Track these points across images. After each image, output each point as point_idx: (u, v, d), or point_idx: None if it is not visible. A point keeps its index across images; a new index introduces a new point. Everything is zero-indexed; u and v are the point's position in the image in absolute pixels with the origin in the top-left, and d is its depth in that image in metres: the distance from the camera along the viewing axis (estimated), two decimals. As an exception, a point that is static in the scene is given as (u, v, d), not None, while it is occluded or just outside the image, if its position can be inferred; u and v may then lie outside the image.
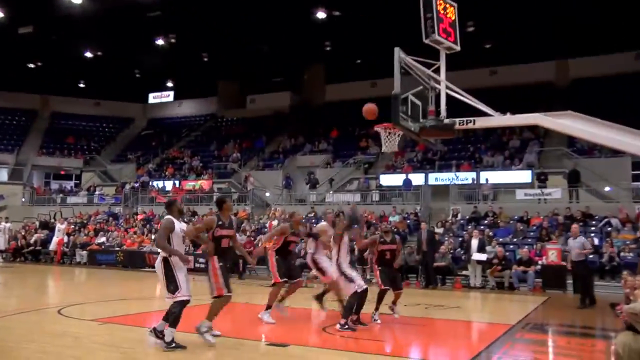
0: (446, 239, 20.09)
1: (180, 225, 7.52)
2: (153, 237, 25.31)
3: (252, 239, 22.89)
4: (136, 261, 23.69)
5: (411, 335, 9.03)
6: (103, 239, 26.25)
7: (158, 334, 7.27)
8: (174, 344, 7.15)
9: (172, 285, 7.22)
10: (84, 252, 25.28)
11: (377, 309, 10.01)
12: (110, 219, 30.10)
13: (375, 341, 8.20)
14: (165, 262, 7.32)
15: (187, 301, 7.28)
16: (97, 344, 7.15)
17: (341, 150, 34.00)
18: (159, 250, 7.41)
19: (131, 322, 9.06)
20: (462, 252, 18.97)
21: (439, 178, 27.14)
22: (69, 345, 7.02)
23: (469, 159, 28.03)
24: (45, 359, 6.23)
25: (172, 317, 7.18)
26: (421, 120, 10.38)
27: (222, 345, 7.34)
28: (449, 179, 26.44)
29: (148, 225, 27.41)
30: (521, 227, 20.55)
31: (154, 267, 25.14)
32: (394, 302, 10.54)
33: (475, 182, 25.60)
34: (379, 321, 9.79)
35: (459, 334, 9.56)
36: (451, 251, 19.05)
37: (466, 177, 26.29)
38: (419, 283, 18.29)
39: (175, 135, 42.58)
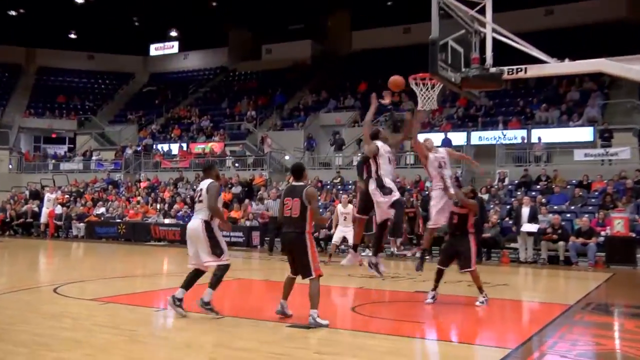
0: (491, 206, 19.98)
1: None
2: (159, 207, 25.64)
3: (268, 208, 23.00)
4: (140, 234, 24.04)
5: (452, 316, 9.04)
6: (102, 210, 26.65)
7: (176, 300, 7.96)
8: (210, 306, 7.91)
9: (217, 249, 7.93)
10: (81, 224, 25.72)
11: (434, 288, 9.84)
12: (110, 187, 30.49)
13: (412, 322, 8.22)
14: (207, 225, 7.93)
15: (229, 265, 8.05)
16: (98, 326, 7.28)
17: (370, 106, 33.75)
18: (204, 213, 7.98)
19: (136, 302, 9.21)
20: (510, 222, 18.87)
21: (483, 137, 26.94)
22: (67, 327, 7.16)
23: (518, 114, 27.67)
24: (41, 342, 6.37)
25: (215, 279, 7.91)
26: (463, 69, 10.26)
27: (236, 326, 7.43)
28: (495, 138, 26.20)
29: (153, 194, 27.73)
30: (580, 193, 20.33)
31: (160, 240, 25.69)
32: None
33: (525, 141, 25.33)
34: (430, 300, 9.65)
35: (507, 315, 9.55)
36: (497, 220, 18.96)
37: (515, 135, 26.01)
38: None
39: (181, 91, 42.72)
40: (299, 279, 7.89)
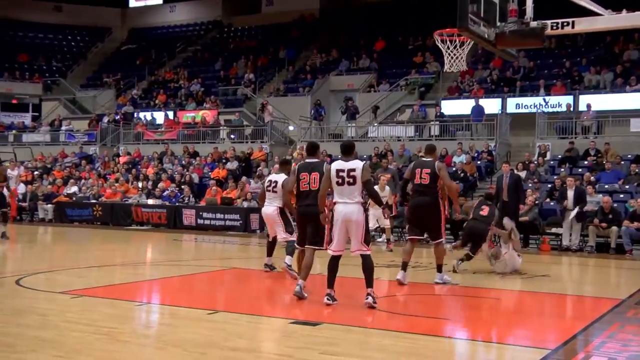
0: (529, 185, 20.00)
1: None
2: (141, 185, 25.79)
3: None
4: (119, 217, 24.23)
5: (482, 311, 9.11)
6: (74, 189, 26.81)
7: (269, 267, 11.92)
8: (291, 269, 11.00)
9: (289, 227, 11.30)
10: (49, 205, 25.89)
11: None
12: (83, 162, 30.67)
13: (434, 319, 8.30)
14: (282, 210, 11.24)
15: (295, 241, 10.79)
16: (71, 323, 7.37)
17: (389, 68, 33.71)
18: (278, 201, 11.28)
19: (115, 295, 9.32)
20: (551, 203, 18.87)
21: (521, 104, 27.00)
22: (35, 325, 7.24)
23: (563, 77, 27.59)
24: (4, 342, 6.45)
25: (291, 249, 11.10)
26: (498, 23, 10.21)
27: (231, 322, 7.53)
28: (536, 106, 26.22)
29: (134, 170, 27.87)
30: (636, 170, 20.30)
31: (142, 223, 25.84)
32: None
33: (572, 109, 25.28)
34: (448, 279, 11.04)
35: (546, 311, 9.61)
36: (536, 202, 18.97)
37: (559, 102, 26.04)
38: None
39: (167, 50, 42.76)
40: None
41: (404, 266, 10.75)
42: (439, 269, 11.01)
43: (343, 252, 8.61)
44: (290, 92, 34.00)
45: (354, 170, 8.39)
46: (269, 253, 12.03)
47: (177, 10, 47.65)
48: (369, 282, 8.41)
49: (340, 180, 8.44)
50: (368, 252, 8.47)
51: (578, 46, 29.71)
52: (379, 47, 35.45)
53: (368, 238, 8.51)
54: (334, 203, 8.54)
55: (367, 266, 8.43)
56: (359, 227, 8.40)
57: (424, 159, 11.25)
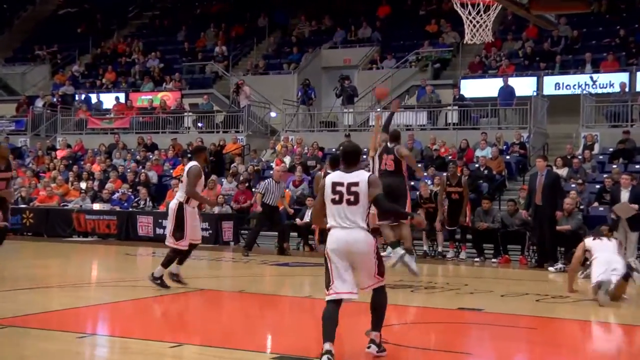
0: (572, 186, 20.03)
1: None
2: (84, 186, 25.69)
3: (249, 187, 23.12)
4: (56, 225, 24.15)
5: (511, 343, 9.13)
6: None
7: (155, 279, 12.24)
8: (159, 281, 12.14)
9: (178, 232, 11.94)
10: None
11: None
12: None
13: (453, 353, 8.31)
14: (180, 207, 11.98)
15: (186, 252, 12.21)
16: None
17: (395, 39, 33.65)
18: (180, 194, 12.13)
19: (51, 324, 9.28)
20: (601, 208, 18.86)
21: (562, 84, 27.03)
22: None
23: (616, 49, 27.63)
24: None
25: (167, 259, 12.07)
26: (533, -20, 10.20)
27: (204, 359, 7.53)
28: (580, 85, 26.20)
29: (75, 167, 27.76)
30: None
31: (86, 234, 25.68)
32: None
33: (627, 89, 25.30)
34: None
35: (596, 344, 9.63)
36: (581, 206, 18.95)
37: (611, 81, 26.05)
38: (525, 259, 18.37)
39: (116, 16, 42.60)
40: None
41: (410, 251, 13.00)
42: (407, 250, 13.42)
43: (352, 294, 7.70)
44: (272, 70, 33.93)
45: (356, 184, 7.73)
46: (179, 260, 12.51)
47: (130, -36, 47.42)
48: (377, 324, 7.86)
49: (337, 198, 7.79)
50: (382, 283, 7.87)
51: (635, 10, 29.67)
52: (382, 13, 35.40)
53: (382, 268, 7.86)
54: (329, 229, 7.86)
55: (379, 303, 7.90)
56: (369, 259, 7.72)
57: (389, 145, 14.02)
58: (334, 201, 7.75)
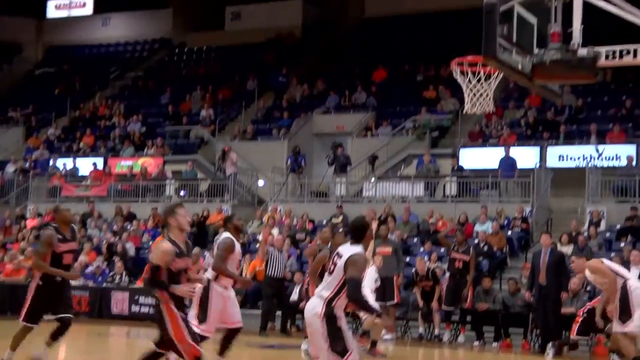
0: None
1: (239, 247, 11.27)
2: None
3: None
4: (22, 302, 23.71)
5: None
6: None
7: None
8: None
9: (202, 315, 10.88)
10: None
11: None
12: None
13: None
14: (206, 287, 10.87)
15: (223, 339, 11.36)
16: None
17: (391, 105, 33.78)
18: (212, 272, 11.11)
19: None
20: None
21: (566, 156, 27.05)
22: None
23: (623, 120, 27.72)
24: None
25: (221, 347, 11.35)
26: (536, 51, 10.19)
27: None
28: (585, 158, 26.24)
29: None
30: None
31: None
32: None
33: (634, 162, 25.37)
34: None
35: None
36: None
37: (617, 153, 26.10)
38: (528, 344, 18.13)
39: (97, 77, 42.83)
40: None
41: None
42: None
43: None
44: (260, 135, 33.90)
45: (340, 256, 8.00)
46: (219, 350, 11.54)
47: (112, 24, 47.84)
48: None
49: (331, 267, 8.14)
50: None
51: (642, 79, 29.91)
52: (378, 78, 35.57)
53: (339, 345, 7.81)
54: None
55: None
56: (317, 332, 7.88)
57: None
58: (329, 271, 8.13)
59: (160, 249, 9.09)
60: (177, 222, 9.22)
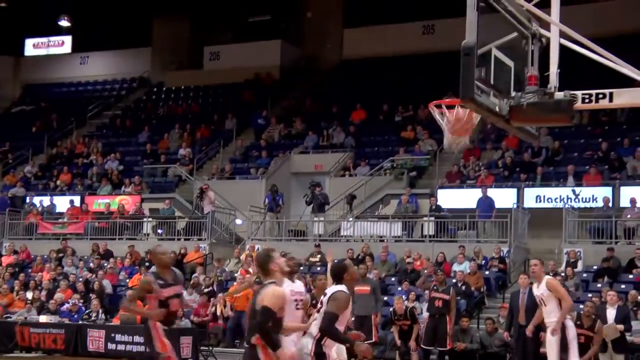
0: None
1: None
2: (30, 296, 25.20)
3: (209, 298, 22.83)
4: (-3, 339, 23.58)
5: None
6: None
7: None
8: None
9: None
10: None
11: None
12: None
13: None
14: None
15: None
16: None
17: (369, 145, 33.87)
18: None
19: None
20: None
21: (543, 197, 27.18)
22: None
23: (599, 162, 27.93)
24: None
25: None
26: (513, 93, 10.27)
27: None
28: (562, 199, 26.36)
29: (22, 275, 27.32)
30: None
31: (30, 349, 25.08)
32: None
33: (610, 204, 25.46)
34: None
35: None
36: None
37: (594, 195, 26.21)
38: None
39: (74, 114, 42.77)
40: None
41: None
42: None
43: None
44: (238, 174, 33.90)
45: (326, 295, 8.48)
46: None
47: (90, 63, 47.83)
48: None
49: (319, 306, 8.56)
50: None
51: (618, 123, 30.06)
52: (357, 118, 35.66)
53: None
54: None
55: None
56: None
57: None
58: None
59: (276, 294, 8.04)
60: (278, 266, 8.55)
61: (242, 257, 26.42)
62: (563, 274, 22.15)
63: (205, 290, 23.56)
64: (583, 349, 14.46)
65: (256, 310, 7.83)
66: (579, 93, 10.22)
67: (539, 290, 14.11)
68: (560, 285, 14.17)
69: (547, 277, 14.14)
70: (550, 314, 14.13)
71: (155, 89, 44.97)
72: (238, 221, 30.89)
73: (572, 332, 13.84)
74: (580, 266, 23.21)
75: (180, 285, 11.59)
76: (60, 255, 29.03)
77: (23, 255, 29.95)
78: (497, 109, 10.02)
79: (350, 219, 28.49)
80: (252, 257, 26.05)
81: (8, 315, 24.45)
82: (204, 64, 44.36)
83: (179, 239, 29.49)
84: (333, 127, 34.94)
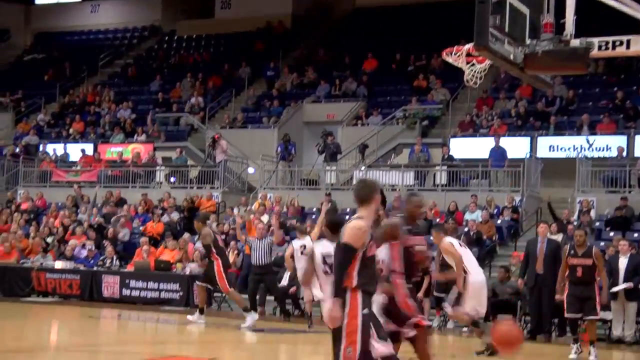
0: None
1: None
2: (46, 241, 25.35)
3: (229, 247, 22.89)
4: (14, 284, 23.79)
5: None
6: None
7: None
8: None
9: None
10: None
11: None
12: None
13: None
14: None
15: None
16: None
17: (382, 94, 33.76)
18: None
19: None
20: (598, 278, 18.79)
21: (556, 146, 27.10)
22: None
23: (613, 111, 27.82)
24: None
25: None
26: (528, 41, 10.22)
27: None
28: (576, 148, 26.29)
29: (36, 222, 27.50)
30: None
31: (46, 294, 25.32)
32: None
33: (624, 153, 25.41)
34: None
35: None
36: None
37: (608, 144, 26.13)
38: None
39: (86, 63, 42.64)
40: None
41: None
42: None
43: None
44: (250, 123, 33.89)
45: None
46: None
47: (101, 11, 47.49)
48: None
49: (328, 269, 8.35)
50: None
51: (633, 71, 29.88)
52: (369, 67, 35.53)
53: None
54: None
55: None
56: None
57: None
58: (326, 273, 8.37)
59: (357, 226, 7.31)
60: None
61: (254, 205, 26.46)
62: (576, 222, 22.17)
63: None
64: (585, 281, 14.37)
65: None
66: (595, 40, 10.18)
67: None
68: (450, 246, 13.78)
69: (442, 244, 13.91)
70: None
71: (166, 38, 44.75)
72: (250, 170, 30.93)
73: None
74: (593, 215, 23.17)
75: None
76: (75, 201, 29.17)
77: (39, 203, 30.10)
78: (511, 57, 10.01)
79: (362, 168, 28.48)
80: (265, 206, 26.23)
81: (24, 261, 24.69)
82: (215, 13, 44.01)
83: (191, 187, 29.54)
84: (345, 76, 34.87)
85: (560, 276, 15.04)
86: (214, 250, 17.56)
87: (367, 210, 7.31)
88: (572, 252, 14.40)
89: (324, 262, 8.02)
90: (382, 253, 9.64)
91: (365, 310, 7.11)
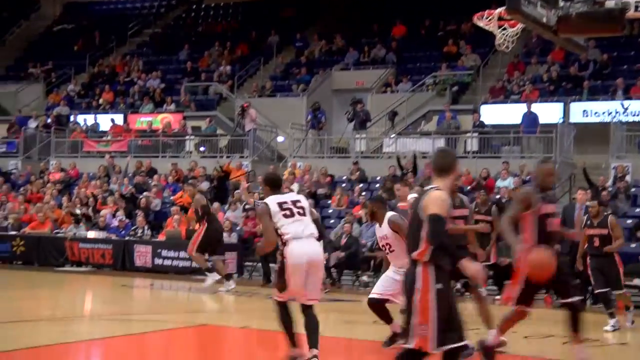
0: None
1: None
2: (79, 212, 25.49)
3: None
4: (48, 254, 23.94)
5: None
6: (-14, 216, 26.67)
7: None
8: None
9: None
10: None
11: None
12: (0, 180, 30.39)
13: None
14: None
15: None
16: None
17: (411, 61, 33.55)
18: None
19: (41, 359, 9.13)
20: (633, 245, 18.64)
21: (590, 111, 26.86)
22: None
23: (650, 76, 27.49)
24: None
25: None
26: (562, 3, 10.07)
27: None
28: (610, 113, 26.09)
29: (69, 193, 27.64)
30: None
31: (80, 263, 25.48)
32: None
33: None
34: None
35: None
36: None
37: (644, 108, 25.92)
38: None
39: (115, 33, 42.72)
40: None
41: None
42: None
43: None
44: (279, 92, 33.86)
45: (298, 201, 9.21)
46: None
47: (130, -20, 47.69)
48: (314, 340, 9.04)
49: (288, 212, 9.01)
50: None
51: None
52: (398, 34, 35.35)
53: None
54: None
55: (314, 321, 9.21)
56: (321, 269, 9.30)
57: None
58: (286, 216, 8.99)
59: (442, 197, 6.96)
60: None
61: (284, 174, 26.42)
62: (611, 189, 21.98)
63: (247, 206, 23.61)
64: (604, 252, 14.07)
65: (420, 220, 6.88)
66: (631, 1, 10.02)
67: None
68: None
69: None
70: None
71: (194, 7, 44.64)
72: (280, 138, 30.94)
73: None
74: (630, 179, 22.93)
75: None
76: (107, 172, 29.27)
77: (72, 173, 30.23)
78: (544, 19, 9.87)
79: (392, 136, 28.39)
80: (294, 175, 26.21)
81: (57, 230, 24.85)
82: (243, -20, 43.94)
83: (221, 157, 29.53)
84: (374, 42, 34.70)
85: (580, 247, 14.89)
86: (204, 215, 18.25)
87: (446, 181, 7.06)
88: (589, 222, 14.31)
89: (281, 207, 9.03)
90: (385, 229, 9.87)
91: (439, 285, 6.81)
